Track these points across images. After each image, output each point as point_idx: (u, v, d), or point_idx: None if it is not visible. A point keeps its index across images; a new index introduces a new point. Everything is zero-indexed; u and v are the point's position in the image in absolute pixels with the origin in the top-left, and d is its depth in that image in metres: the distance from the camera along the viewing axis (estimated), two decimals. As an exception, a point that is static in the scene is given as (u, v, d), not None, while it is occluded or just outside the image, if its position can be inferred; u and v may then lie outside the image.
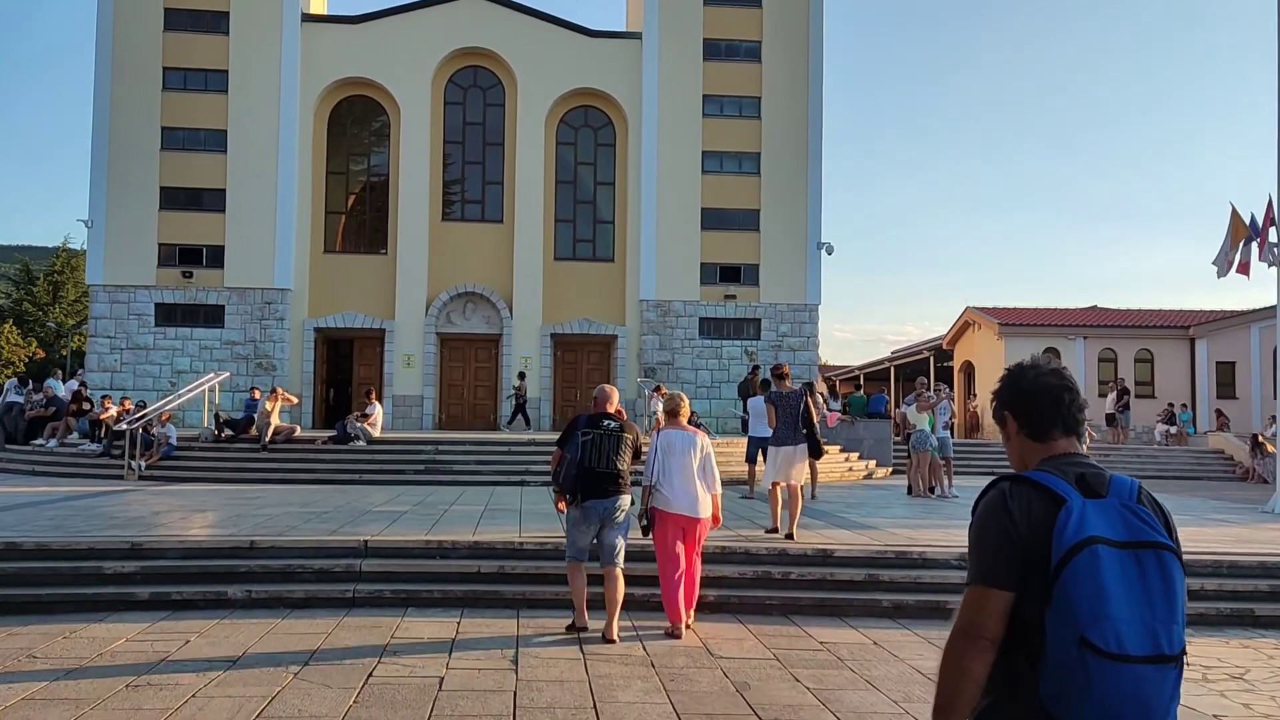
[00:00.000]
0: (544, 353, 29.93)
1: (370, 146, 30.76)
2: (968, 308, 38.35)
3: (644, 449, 7.86)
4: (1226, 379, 34.80)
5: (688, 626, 7.70)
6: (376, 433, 19.54)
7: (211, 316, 28.91)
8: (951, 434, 17.73)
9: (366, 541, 9.13)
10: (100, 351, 28.41)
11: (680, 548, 7.57)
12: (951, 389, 26.41)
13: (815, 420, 10.71)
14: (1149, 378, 34.87)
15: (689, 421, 8.18)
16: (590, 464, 7.39)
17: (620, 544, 7.55)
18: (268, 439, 18.58)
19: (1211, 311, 36.42)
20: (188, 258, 28.88)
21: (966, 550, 2.37)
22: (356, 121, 30.68)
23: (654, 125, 30.48)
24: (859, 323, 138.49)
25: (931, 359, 42.91)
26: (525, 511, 12.56)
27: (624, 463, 7.53)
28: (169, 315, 28.80)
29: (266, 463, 18.19)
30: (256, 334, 28.83)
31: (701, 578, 8.17)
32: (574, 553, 7.57)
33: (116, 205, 28.61)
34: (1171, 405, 31.81)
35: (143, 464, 17.77)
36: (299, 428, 19.59)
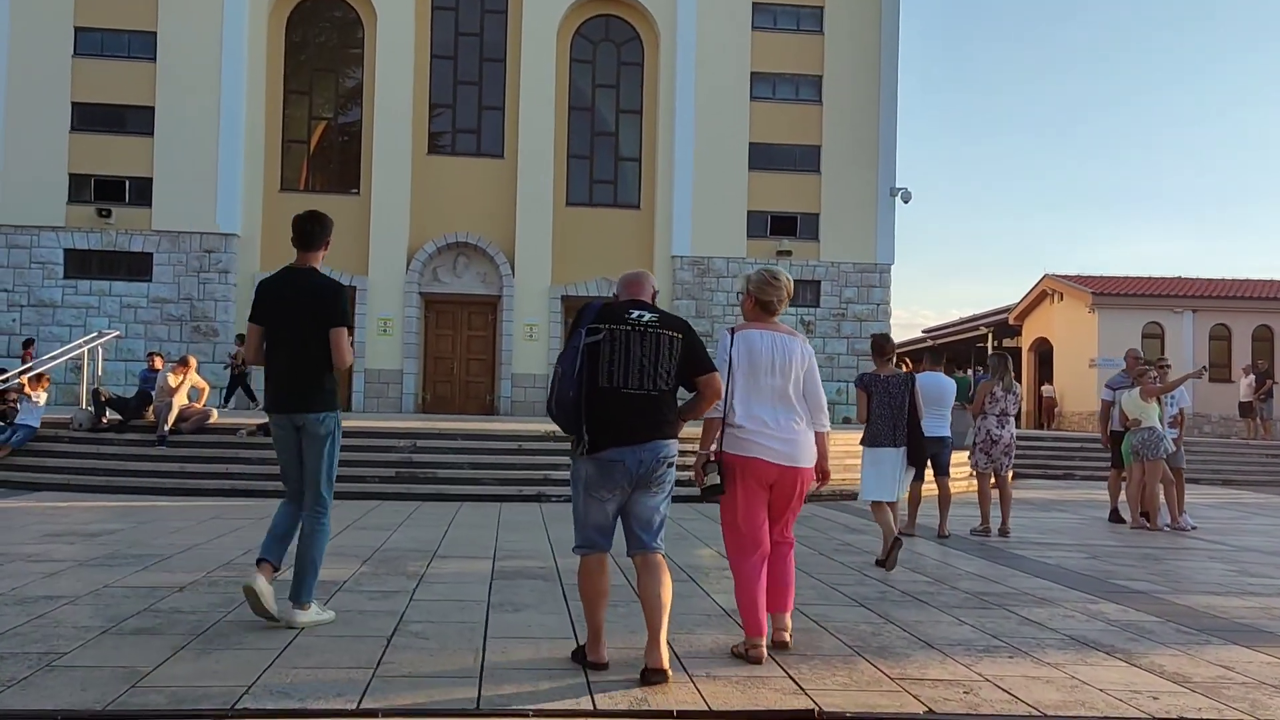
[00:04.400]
0: (553, 319, 24.11)
1: (340, 61, 24.73)
2: (1046, 275, 32.66)
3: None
4: (1364, 361, 29.24)
5: (786, 642, 4.78)
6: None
7: (136, 267, 22.93)
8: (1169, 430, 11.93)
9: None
10: (-6, 309, 22.50)
11: (763, 518, 4.71)
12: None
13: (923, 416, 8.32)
14: (1269, 358, 29.34)
15: None
16: (608, 382, 4.16)
17: (663, 518, 4.42)
18: (167, 427, 12.76)
19: (1345, 281, 30.80)
20: (106, 192, 22.89)
21: None
22: (324, 29, 24.63)
23: (691, 40, 24.63)
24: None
25: (990, 335, 37.33)
26: (566, 574, 6.77)
27: (669, 380, 4.27)
28: (82, 265, 22.83)
29: (162, 462, 12.36)
30: (194, 290, 22.92)
31: None
32: (584, 539, 4.36)
33: (17, 125, 22.56)
34: (1321, 392, 26.18)
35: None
36: (215, 412, 13.74)
